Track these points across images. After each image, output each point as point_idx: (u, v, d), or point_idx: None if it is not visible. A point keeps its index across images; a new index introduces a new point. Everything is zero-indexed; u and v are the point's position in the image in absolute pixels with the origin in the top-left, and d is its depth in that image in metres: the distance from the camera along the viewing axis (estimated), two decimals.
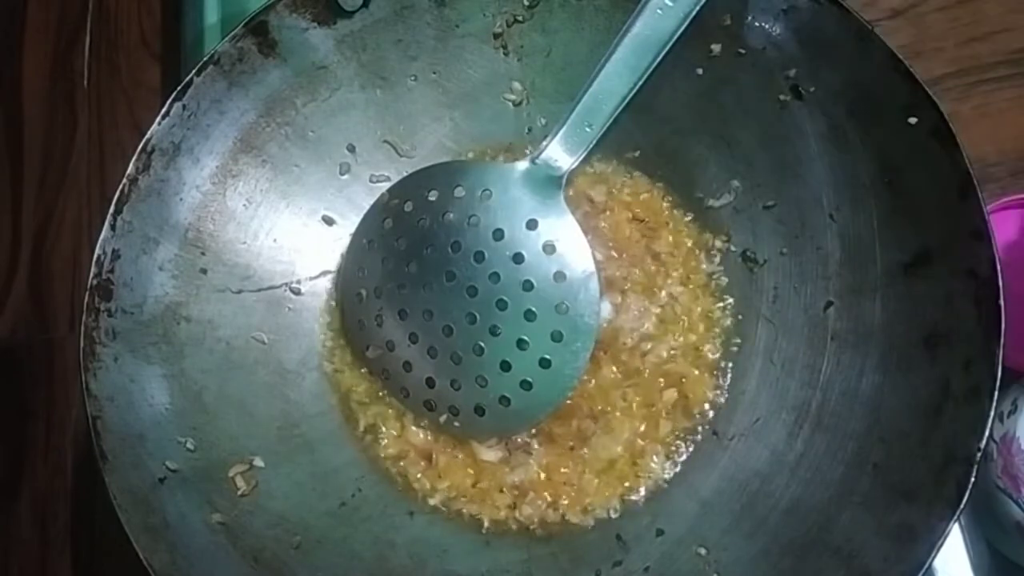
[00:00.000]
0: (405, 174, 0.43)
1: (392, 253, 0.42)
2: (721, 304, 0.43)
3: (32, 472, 0.49)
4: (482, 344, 0.39)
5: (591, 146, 0.41)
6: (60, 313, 0.52)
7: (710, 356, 0.42)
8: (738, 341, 0.42)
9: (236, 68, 0.40)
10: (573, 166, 0.41)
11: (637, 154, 0.44)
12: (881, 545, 0.34)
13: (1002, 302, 0.33)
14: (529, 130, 0.45)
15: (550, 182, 0.40)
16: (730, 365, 0.42)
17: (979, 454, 0.32)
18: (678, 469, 0.41)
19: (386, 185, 0.44)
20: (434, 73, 0.44)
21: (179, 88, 0.39)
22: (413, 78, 0.43)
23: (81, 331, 0.36)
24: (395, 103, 0.44)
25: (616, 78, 0.39)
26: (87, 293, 0.37)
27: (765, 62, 0.40)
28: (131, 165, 0.38)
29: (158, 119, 0.38)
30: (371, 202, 0.43)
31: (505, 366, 0.39)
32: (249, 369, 0.41)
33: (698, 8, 0.38)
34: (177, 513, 0.36)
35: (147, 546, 0.34)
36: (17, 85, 0.56)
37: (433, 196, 0.41)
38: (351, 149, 0.44)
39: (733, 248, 0.43)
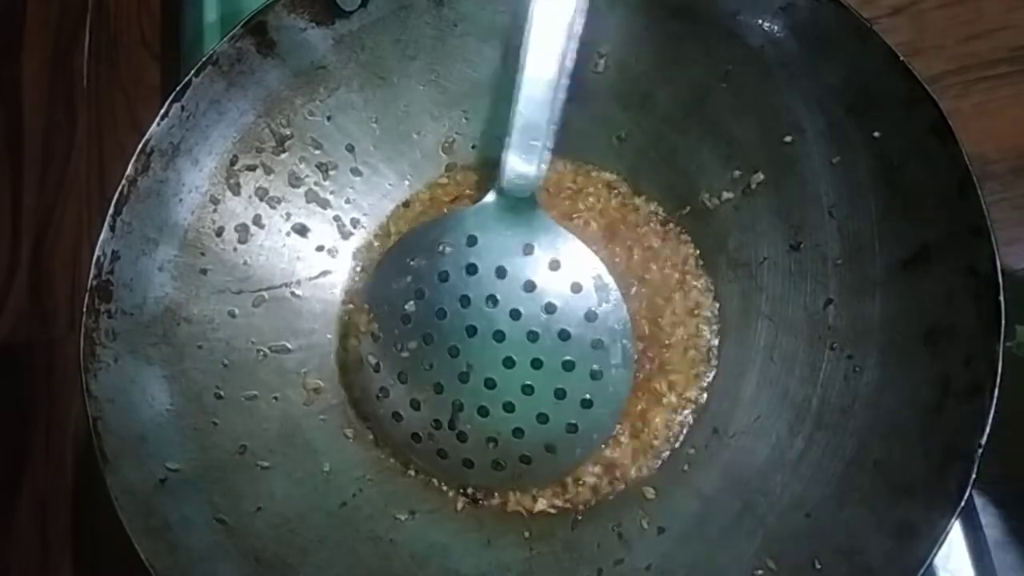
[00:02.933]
0: (404, 174, 0.43)
1: (406, 337, 0.40)
2: (720, 303, 0.43)
3: (32, 472, 0.49)
4: (528, 383, 0.39)
5: (548, 156, 0.39)
6: (60, 313, 0.52)
7: (710, 355, 0.42)
8: (738, 339, 0.42)
9: (235, 68, 0.40)
10: (539, 180, 0.40)
11: (634, 153, 0.44)
12: (882, 542, 0.34)
13: (1002, 298, 0.33)
14: None
15: (524, 204, 0.40)
16: (730, 363, 0.42)
17: (980, 451, 0.32)
18: (679, 467, 0.41)
19: (386, 184, 0.44)
20: (433, 73, 0.44)
21: (178, 89, 0.39)
22: (412, 78, 0.43)
23: (81, 332, 0.36)
24: (394, 103, 0.44)
25: (537, 90, 0.38)
26: (87, 294, 0.37)
27: (764, 60, 0.40)
28: (130, 166, 0.38)
29: (157, 120, 0.38)
30: (371, 202, 0.44)
31: (542, 418, 0.39)
32: (250, 369, 0.41)
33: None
34: (178, 514, 0.36)
35: (148, 547, 0.34)
36: (17, 85, 0.56)
37: (423, 263, 0.40)
38: (350, 149, 0.44)
39: (732, 247, 0.43)
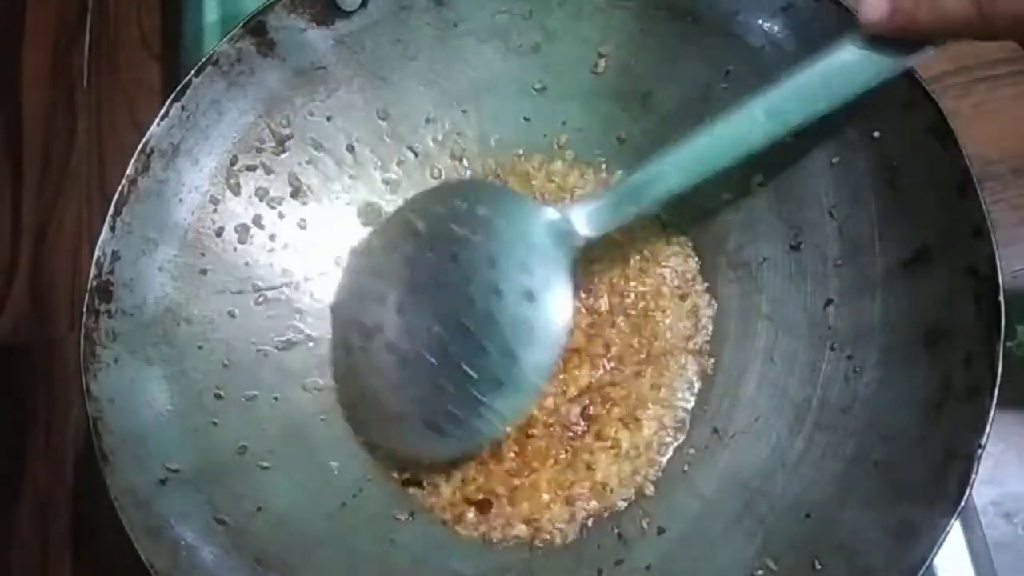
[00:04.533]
0: (404, 174, 0.43)
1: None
2: (720, 303, 0.43)
3: (32, 472, 0.49)
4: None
5: (621, 224, 0.39)
6: (60, 313, 0.52)
7: (709, 355, 0.42)
8: (738, 339, 0.42)
9: (235, 69, 0.40)
10: (593, 237, 0.38)
11: (634, 153, 0.44)
12: (882, 543, 0.34)
13: (1002, 298, 0.33)
14: (545, 136, 0.45)
15: (565, 239, 0.38)
16: (730, 363, 0.42)
17: (980, 451, 0.32)
18: (679, 467, 0.41)
19: (384, 185, 0.44)
20: (433, 73, 0.43)
21: (178, 89, 0.39)
22: (412, 78, 0.43)
23: (81, 332, 0.36)
24: (394, 103, 0.44)
25: (677, 168, 0.37)
26: (87, 294, 0.37)
27: (763, 60, 0.40)
28: (130, 166, 0.38)
29: (157, 120, 0.38)
30: (370, 202, 0.43)
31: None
32: (250, 370, 0.41)
33: (797, 128, 0.36)
34: (179, 514, 0.36)
35: (148, 547, 0.34)
36: (17, 85, 0.56)
37: (453, 206, 0.40)
38: (350, 149, 0.44)
39: (732, 247, 0.43)
